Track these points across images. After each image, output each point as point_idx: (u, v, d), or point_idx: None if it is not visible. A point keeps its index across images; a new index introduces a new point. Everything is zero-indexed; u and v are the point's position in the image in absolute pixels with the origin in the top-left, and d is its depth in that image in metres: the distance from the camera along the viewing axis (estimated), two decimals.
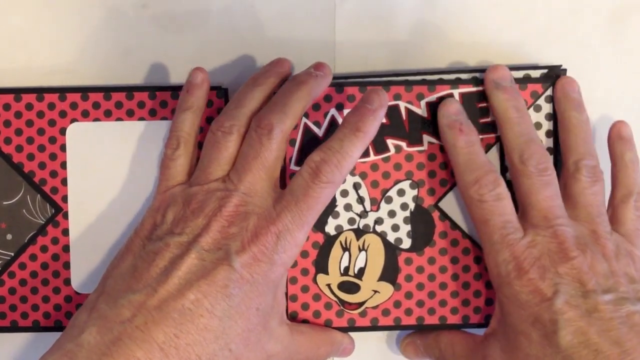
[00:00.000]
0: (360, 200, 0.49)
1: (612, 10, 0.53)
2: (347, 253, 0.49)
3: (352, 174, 0.49)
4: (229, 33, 0.52)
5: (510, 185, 0.48)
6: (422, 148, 0.50)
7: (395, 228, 0.50)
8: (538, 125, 0.50)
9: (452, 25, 0.52)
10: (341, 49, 0.52)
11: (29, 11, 0.51)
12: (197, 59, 0.51)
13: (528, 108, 0.50)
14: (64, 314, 0.50)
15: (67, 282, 0.50)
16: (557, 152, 0.50)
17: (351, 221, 0.49)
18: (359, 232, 0.50)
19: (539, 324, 0.44)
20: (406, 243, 0.50)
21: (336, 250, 0.49)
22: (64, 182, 0.50)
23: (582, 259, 0.45)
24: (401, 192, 0.50)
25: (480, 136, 0.50)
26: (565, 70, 0.51)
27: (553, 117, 0.50)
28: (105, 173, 0.50)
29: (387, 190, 0.50)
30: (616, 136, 0.50)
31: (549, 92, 0.50)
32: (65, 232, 0.50)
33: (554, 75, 0.50)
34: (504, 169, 0.50)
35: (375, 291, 0.50)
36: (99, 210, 0.50)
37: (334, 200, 0.49)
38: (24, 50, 0.51)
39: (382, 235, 0.50)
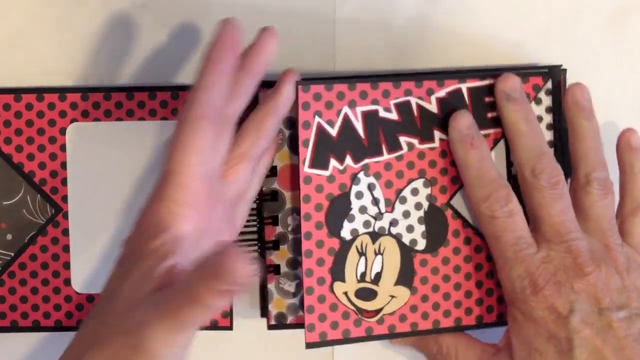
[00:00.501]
0: (375, 201, 0.49)
1: (612, 10, 0.53)
2: (363, 258, 0.49)
3: (367, 174, 0.49)
4: None
5: (518, 191, 0.48)
6: (434, 145, 0.49)
7: (410, 229, 0.49)
8: (539, 119, 0.50)
9: (452, 25, 0.52)
10: (341, 48, 0.52)
11: (29, 11, 0.51)
12: (197, 59, 0.50)
13: (530, 101, 0.50)
14: (64, 314, 0.50)
15: (67, 282, 0.50)
16: (559, 147, 0.50)
17: (366, 224, 0.49)
18: (375, 235, 0.49)
19: (555, 340, 0.44)
20: (421, 244, 0.49)
21: (352, 255, 0.49)
22: (64, 182, 0.50)
23: (597, 274, 0.45)
24: (415, 192, 0.49)
25: (489, 130, 0.50)
26: (565, 70, 0.51)
27: (553, 109, 0.50)
28: (105, 173, 0.50)
29: (401, 190, 0.49)
30: (626, 145, 0.50)
31: (549, 84, 0.50)
32: (65, 232, 0.50)
33: (555, 69, 0.50)
34: (509, 163, 0.50)
35: (392, 296, 0.49)
36: (98, 210, 0.50)
37: (348, 203, 0.49)
38: (24, 50, 0.51)
39: (398, 237, 0.49)
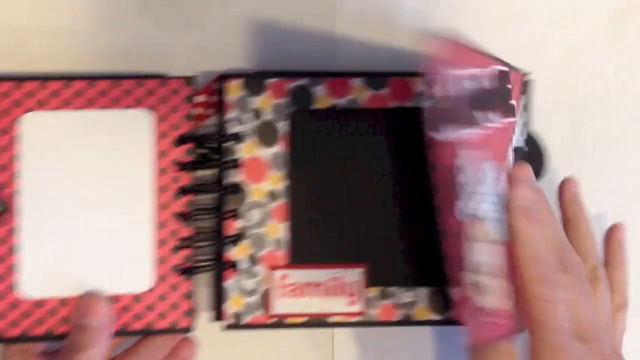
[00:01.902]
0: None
1: (612, 10, 0.53)
2: None
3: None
4: (228, 34, 0.51)
5: None
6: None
7: None
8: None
9: (452, 25, 0.51)
10: (341, 49, 0.51)
11: (29, 11, 0.50)
12: (197, 58, 0.50)
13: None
14: (9, 323, 0.45)
15: (13, 286, 0.45)
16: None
17: None
18: None
19: None
20: None
21: None
22: (15, 176, 0.45)
23: None
24: None
25: (511, 119, 0.45)
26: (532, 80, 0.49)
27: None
28: (63, 166, 0.46)
29: None
30: (612, 237, 0.49)
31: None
32: (13, 231, 0.45)
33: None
34: None
35: None
36: (55, 205, 0.46)
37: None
38: (24, 50, 0.49)
39: None
